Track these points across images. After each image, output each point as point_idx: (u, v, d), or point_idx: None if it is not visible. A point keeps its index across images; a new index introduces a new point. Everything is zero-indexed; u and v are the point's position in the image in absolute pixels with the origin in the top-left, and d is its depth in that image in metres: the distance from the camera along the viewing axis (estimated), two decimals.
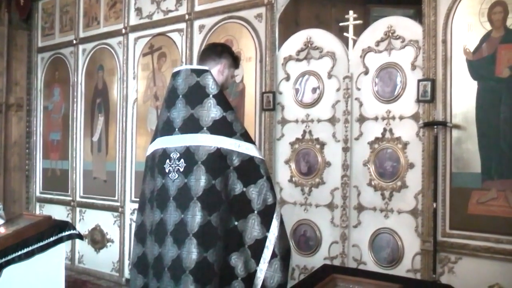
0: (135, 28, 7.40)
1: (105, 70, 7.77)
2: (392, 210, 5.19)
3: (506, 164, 4.60)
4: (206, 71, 3.89)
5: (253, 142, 3.89)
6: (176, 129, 3.87)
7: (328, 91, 5.65)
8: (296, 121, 5.85)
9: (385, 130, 5.26)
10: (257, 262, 3.75)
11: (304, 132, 5.79)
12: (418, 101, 5.02)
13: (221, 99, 3.87)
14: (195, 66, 4.14)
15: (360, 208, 5.40)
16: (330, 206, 5.59)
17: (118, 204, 7.42)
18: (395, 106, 5.21)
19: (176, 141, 3.87)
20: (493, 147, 4.67)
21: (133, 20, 7.43)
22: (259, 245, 3.76)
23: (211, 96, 3.84)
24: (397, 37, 5.21)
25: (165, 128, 3.95)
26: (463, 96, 4.80)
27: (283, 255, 3.77)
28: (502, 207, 4.60)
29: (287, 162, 5.92)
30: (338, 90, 5.57)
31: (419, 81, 5.00)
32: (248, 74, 6.19)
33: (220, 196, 3.75)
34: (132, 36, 7.43)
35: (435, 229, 4.90)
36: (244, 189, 3.76)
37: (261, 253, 3.75)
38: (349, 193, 5.47)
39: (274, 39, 6.01)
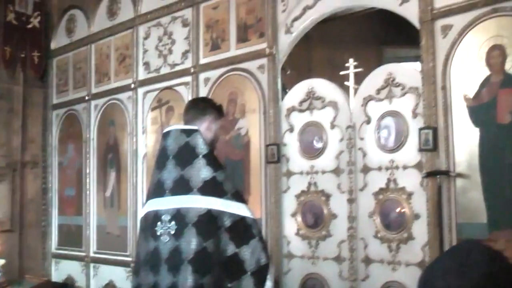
0: (143, 83, 7.35)
1: (116, 125, 7.73)
2: (400, 263, 4.99)
3: None
4: (196, 130, 3.90)
5: (244, 202, 3.86)
6: (167, 191, 3.84)
7: (331, 142, 5.50)
8: (301, 173, 5.70)
9: (389, 180, 5.09)
10: None
11: (309, 184, 5.64)
12: (420, 150, 4.82)
13: (211, 159, 3.86)
14: (184, 126, 4.07)
15: (367, 261, 5.21)
16: (338, 259, 5.41)
17: (130, 259, 7.26)
18: (398, 156, 5.04)
19: (167, 203, 3.83)
20: (499, 196, 4.46)
21: (142, 74, 7.39)
22: None
23: (201, 156, 3.82)
24: (397, 84, 5.06)
25: (156, 190, 3.92)
26: (465, 144, 4.61)
27: None
28: (510, 259, 4.34)
29: (293, 215, 5.76)
30: (341, 140, 5.42)
31: (420, 129, 4.83)
32: (253, 126, 6.08)
33: (212, 259, 3.68)
34: (141, 90, 7.38)
35: None
36: (237, 250, 3.72)
37: None
38: (356, 246, 5.27)
39: (277, 90, 5.89)
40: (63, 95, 8.78)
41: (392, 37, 8.34)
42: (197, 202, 3.80)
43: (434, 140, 4.75)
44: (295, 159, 5.76)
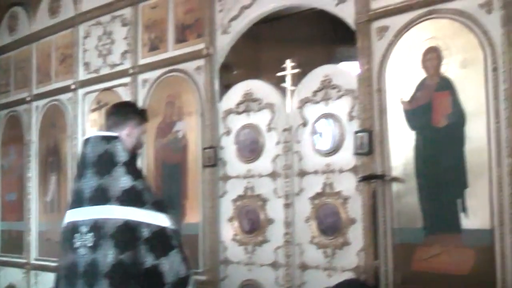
0: (83, 83, 7.08)
1: (57, 127, 7.43)
2: (336, 269, 4.78)
3: (448, 218, 4.21)
4: (115, 137, 3.74)
5: (165, 211, 3.69)
6: (85, 201, 3.68)
7: (268, 145, 5.30)
8: (238, 177, 5.47)
9: (325, 184, 4.89)
10: None
11: (246, 188, 5.41)
12: (356, 153, 4.62)
13: (131, 167, 3.71)
14: (104, 133, 3.87)
15: (303, 267, 4.99)
16: (274, 265, 5.20)
17: None
18: (334, 159, 4.85)
19: (85, 214, 3.66)
20: (434, 200, 4.29)
21: (82, 75, 7.11)
22: None
23: (120, 164, 3.67)
24: (334, 86, 4.86)
25: (75, 200, 3.77)
26: (402, 148, 4.44)
27: None
28: (445, 264, 4.18)
29: (230, 220, 5.53)
30: (278, 143, 5.20)
31: (355, 132, 4.63)
32: (190, 129, 5.85)
33: (130, 271, 3.52)
34: (81, 91, 7.11)
35: None
36: (156, 262, 3.56)
37: None
38: (293, 251, 5.05)
39: (214, 91, 5.67)
40: (5, 96, 8.41)
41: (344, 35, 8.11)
42: (115, 213, 3.62)
43: (370, 143, 4.56)
44: (232, 163, 5.54)
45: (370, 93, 4.59)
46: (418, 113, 4.38)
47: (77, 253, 3.66)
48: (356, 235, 4.68)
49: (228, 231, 5.54)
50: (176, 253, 3.66)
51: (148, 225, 3.62)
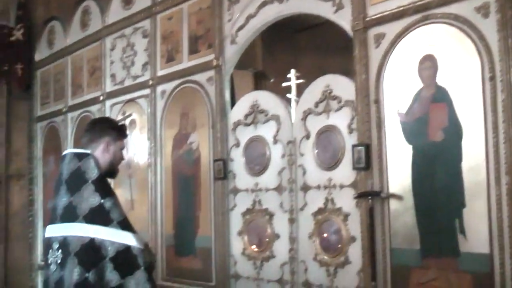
0: (110, 95, 6.92)
1: None
2: None
3: (445, 239, 3.81)
4: (87, 154, 3.58)
5: (132, 231, 3.48)
6: (58, 218, 3.52)
7: (274, 158, 4.98)
8: (247, 190, 5.17)
9: (327, 200, 4.55)
10: None
11: (254, 202, 5.11)
12: (354, 168, 4.25)
13: (100, 185, 3.51)
14: (77, 150, 3.70)
15: (307, 285, 4.67)
16: (280, 282, 4.88)
17: None
18: (335, 174, 4.51)
19: (57, 230, 3.52)
20: (431, 220, 3.89)
21: (109, 86, 6.95)
22: None
23: (90, 182, 3.49)
24: (334, 97, 4.51)
25: (52, 216, 3.64)
26: (399, 163, 4.06)
27: None
28: None
29: (240, 233, 5.24)
30: (283, 156, 4.87)
31: (353, 146, 4.26)
32: (202, 141, 5.59)
33: None
34: (108, 102, 6.94)
35: None
36: (122, 281, 3.37)
37: None
38: (297, 268, 4.74)
39: (224, 103, 5.39)
40: (46, 107, 8.37)
41: None
42: (82, 231, 3.42)
43: (367, 158, 4.21)
44: (241, 176, 5.23)
45: (367, 104, 4.24)
46: (415, 126, 4.00)
47: (49, 269, 3.54)
48: (356, 254, 4.33)
49: (238, 245, 5.26)
50: (141, 272, 3.43)
51: (114, 243, 3.42)
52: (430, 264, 3.88)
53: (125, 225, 3.50)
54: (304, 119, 4.73)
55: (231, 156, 5.34)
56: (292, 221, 4.79)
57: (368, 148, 4.19)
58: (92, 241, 3.40)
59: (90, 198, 3.48)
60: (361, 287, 4.26)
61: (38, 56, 8.56)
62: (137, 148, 6.42)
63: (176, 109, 5.88)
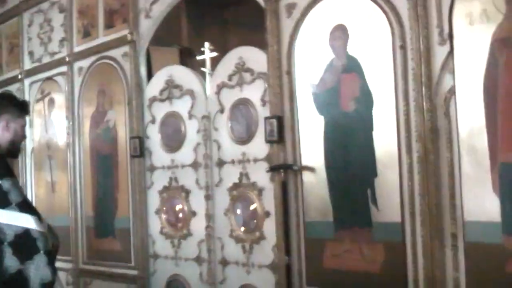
0: (29, 73, 6.59)
1: None
2: (253, 265, 4.28)
3: (358, 211, 3.68)
4: None
5: (32, 213, 3.24)
6: None
7: (190, 133, 4.78)
8: (163, 168, 4.95)
9: (241, 174, 4.36)
10: None
11: (170, 179, 4.90)
12: (267, 141, 4.08)
13: None
14: None
15: (224, 262, 4.49)
16: (198, 260, 4.69)
17: None
18: (249, 148, 4.35)
19: None
20: (344, 192, 3.75)
21: (27, 64, 6.60)
22: None
23: None
24: (247, 69, 4.32)
25: None
26: (311, 135, 3.90)
27: None
28: (356, 261, 3.65)
29: (157, 212, 5.02)
30: (198, 131, 4.67)
31: (265, 119, 4.08)
32: (119, 119, 5.35)
33: None
34: (27, 81, 6.61)
35: (289, 287, 3.95)
36: (21, 266, 3.13)
37: None
38: (214, 246, 4.55)
39: (139, 79, 5.17)
40: None
41: None
42: None
43: (280, 130, 4.03)
44: (158, 153, 5.01)
45: (279, 76, 4.08)
46: (327, 97, 3.87)
47: None
48: (272, 229, 4.16)
49: (156, 224, 5.04)
50: (41, 256, 3.20)
51: (12, 226, 3.19)
52: (343, 236, 3.77)
53: (24, 207, 3.28)
54: (218, 93, 4.54)
55: (147, 133, 5.08)
56: (208, 197, 4.59)
57: (280, 120, 4.02)
58: None
59: None
60: (276, 262, 4.07)
61: None
62: (56, 128, 6.13)
63: (94, 86, 5.65)
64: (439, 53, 3.28)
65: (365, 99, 3.62)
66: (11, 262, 3.17)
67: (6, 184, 3.27)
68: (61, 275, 5.53)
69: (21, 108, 3.63)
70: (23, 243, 3.20)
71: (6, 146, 3.47)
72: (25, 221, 3.23)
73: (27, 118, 3.69)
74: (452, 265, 3.22)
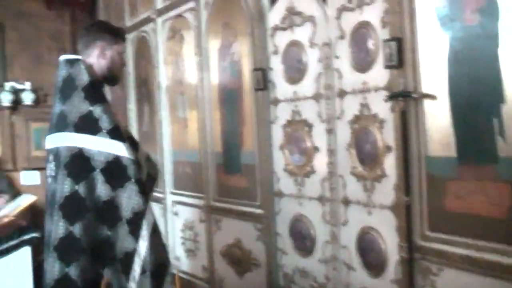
0: (160, 12, 6.55)
1: (144, 58, 7.03)
2: (374, 205, 3.98)
3: (484, 145, 3.21)
4: (77, 60, 3.40)
5: (123, 140, 3.26)
6: (52, 128, 3.39)
7: (311, 63, 4.49)
8: (286, 100, 4.73)
9: (362, 106, 4.04)
10: (128, 279, 3.16)
11: (293, 112, 4.67)
12: (386, 67, 3.72)
13: (91, 92, 3.33)
14: (68, 56, 3.48)
15: (346, 202, 4.22)
16: (321, 199, 4.45)
17: (162, 195, 6.65)
18: (369, 76, 3.98)
19: (51, 141, 3.41)
20: (470, 123, 3.30)
21: (159, 3, 6.57)
22: (129, 259, 3.17)
23: (79, 88, 3.32)
24: None
25: (49, 127, 3.48)
26: (433, 56, 3.48)
27: (153, 272, 3.15)
28: (481, 204, 3.22)
29: (281, 148, 4.82)
30: (320, 60, 4.38)
31: (384, 41, 3.72)
32: (243, 50, 5.16)
33: (84, 204, 3.19)
34: (159, 20, 6.59)
35: (409, 231, 3.61)
36: (113, 194, 3.20)
37: (130, 268, 3.16)
38: (336, 184, 4.28)
39: (261, 6, 4.90)
40: None
41: None
42: (71, 140, 3.26)
43: (399, 54, 3.61)
44: (281, 85, 4.79)
45: None
46: (449, 9, 3.36)
47: (47, 182, 3.43)
48: (393, 166, 3.81)
49: (280, 160, 4.84)
50: (132, 184, 3.24)
51: (103, 153, 3.24)
52: (468, 175, 3.32)
53: (115, 134, 3.29)
54: (338, 17, 4.19)
55: (270, 65, 4.85)
56: (329, 131, 4.30)
57: (400, 42, 3.60)
58: (80, 151, 3.24)
59: (80, 106, 3.30)
60: (397, 205, 3.74)
61: None
62: (186, 64, 6.07)
63: (219, 19, 5.46)
64: None
65: (490, 9, 3.10)
66: (104, 190, 3.20)
67: (97, 110, 3.28)
68: (196, 212, 5.57)
69: (116, 34, 3.58)
70: (115, 171, 3.23)
71: (102, 73, 3.50)
72: (116, 148, 3.24)
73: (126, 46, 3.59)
74: None
